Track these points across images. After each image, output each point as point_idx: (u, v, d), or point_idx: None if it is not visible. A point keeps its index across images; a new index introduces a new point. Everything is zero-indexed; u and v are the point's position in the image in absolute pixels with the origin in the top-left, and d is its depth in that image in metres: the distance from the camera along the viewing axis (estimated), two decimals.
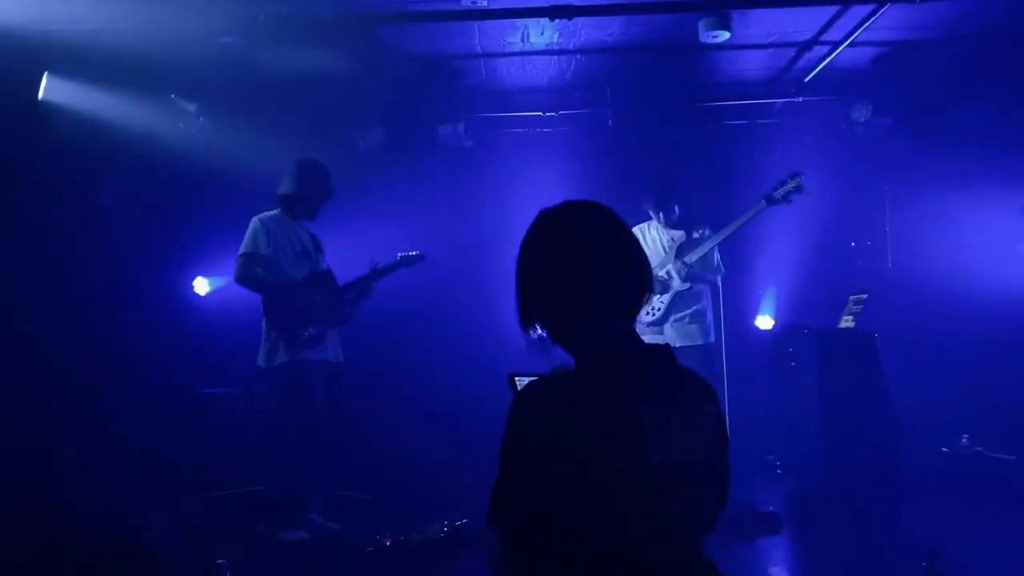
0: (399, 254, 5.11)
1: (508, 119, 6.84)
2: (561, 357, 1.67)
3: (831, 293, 6.37)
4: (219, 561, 3.45)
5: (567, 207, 1.66)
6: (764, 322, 7.14)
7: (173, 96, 5.86)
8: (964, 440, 6.54)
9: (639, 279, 1.62)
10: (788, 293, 7.06)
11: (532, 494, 1.48)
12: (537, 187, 6.67)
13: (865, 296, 5.60)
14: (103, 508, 4.39)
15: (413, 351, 6.54)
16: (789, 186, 4.89)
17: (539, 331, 1.64)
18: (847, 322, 5.61)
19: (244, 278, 4.57)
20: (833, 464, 4.98)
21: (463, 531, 4.38)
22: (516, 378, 2.12)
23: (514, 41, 5.58)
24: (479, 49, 5.74)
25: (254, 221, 4.63)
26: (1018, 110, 6.20)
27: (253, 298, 4.63)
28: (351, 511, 4.89)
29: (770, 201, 4.94)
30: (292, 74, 5.73)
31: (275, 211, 4.72)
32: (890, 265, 7.27)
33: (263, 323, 4.61)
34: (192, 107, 5.93)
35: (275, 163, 4.86)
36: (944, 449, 6.45)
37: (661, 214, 5.24)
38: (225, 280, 5.71)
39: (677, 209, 5.26)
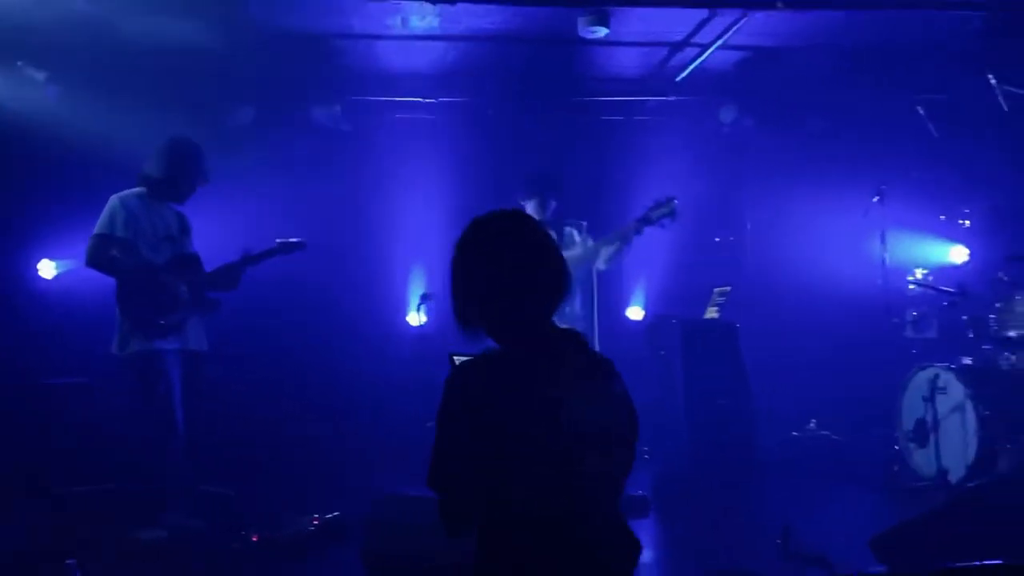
0: (277, 240, 4.86)
1: (388, 104, 6.70)
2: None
3: (698, 285, 6.65)
4: (68, 562, 3.22)
5: (497, 217, 1.94)
6: (635, 313, 7.40)
7: (20, 63, 5.39)
8: (812, 424, 7.07)
9: (559, 280, 1.90)
10: (658, 285, 7.33)
11: (465, 457, 1.73)
12: (418, 174, 6.62)
13: (728, 288, 5.88)
14: None
15: (287, 340, 6.32)
16: (664, 210, 4.93)
17: (471, 323, 1.88)
18: (712, 313, 5.88)
19: (97, 260, 4.26)
20: (697, 448, 5.22)
21: (334, 524, 4.28)
22: (455, 356, 2.35)
23: (393, 24, 5.48)
24: (357, 30, 5.60)
25: (112, 200, 4.33)
26: (866, 118, 6.69)
27: (108, 281, 4.34)
28: (215, 507, 4.67)
29: (645, 223, 4.97)
30: (155, 45, 5.39)
31: (138, 190, 4.43)
32: (749, 258, 7.68)
33: (117, 309, 4.32)
34: (41, 75, 5.48)
35: (133, 138, 4.57)
36: (795, 433, 6.94)
37: (538, 206, 5.15)
38: (75, 262, 5.32)
39: (554, 204, 5.21)
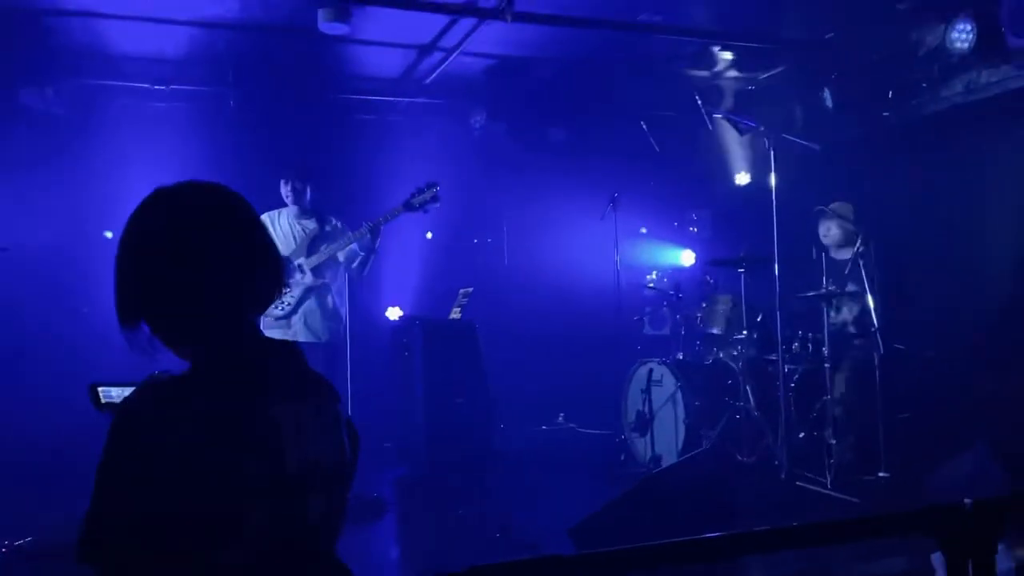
0: None
1: (112, 88, 6.17)
2: (166, 361, 1.42)
3: (457, 286, 6.74)
4: None
5: (189, 188, 1.45)
6: (393, 313, 7.38)
7: None
8: (560, 418, 7.47)
9: (274, 273, 1.49)
10: (418, 285, 7.37)
11: (145, 517, 1.26)
12: (148, 167, 6.12)
13: (470, 289, 6.03)
14: None
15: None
16: (426, 195, 4.98)
17: (145, 330, 1.39)
18: (455, 313, 5.99)
19: None
20: (434, 446, 5.30)
21: (26, 551, 3.88)
22: (99, 388, 1.83)
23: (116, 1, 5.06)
24: (72, 6, 5.11)
25: None
26: (601, 128, 7.14)
27: None
28: None
29: (408, 208, 4.98)
30: None
31: None
32: (506, 261, 7.94)
33: None
34: None
35: None
36: (544, 427, 7.29)
37: (293, 196, 5.01)
38: None
39: (309, 193, 5.07)
